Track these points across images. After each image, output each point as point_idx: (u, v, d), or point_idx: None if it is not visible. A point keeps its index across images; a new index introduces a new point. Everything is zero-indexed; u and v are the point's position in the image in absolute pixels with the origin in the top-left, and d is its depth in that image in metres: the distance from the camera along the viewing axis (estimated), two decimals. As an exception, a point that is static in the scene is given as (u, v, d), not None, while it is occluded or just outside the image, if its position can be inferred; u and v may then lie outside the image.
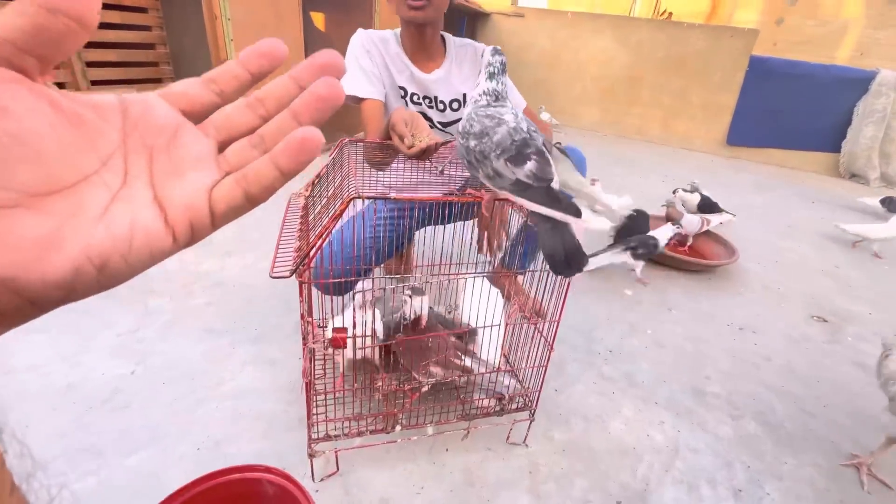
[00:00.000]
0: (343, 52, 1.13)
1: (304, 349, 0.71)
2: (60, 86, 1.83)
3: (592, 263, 1.63)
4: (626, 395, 1.17)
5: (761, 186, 3.53)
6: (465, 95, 1.22)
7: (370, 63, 1.10)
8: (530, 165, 0.63)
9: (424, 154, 0.84)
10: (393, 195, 0.65)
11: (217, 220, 0.20)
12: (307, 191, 0.90)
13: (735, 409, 1.16)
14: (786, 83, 4.12)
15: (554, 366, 1.23)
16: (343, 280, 0.89)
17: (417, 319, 0.90)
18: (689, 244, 2.02)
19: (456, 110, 1.23)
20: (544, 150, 0.66)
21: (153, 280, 1.42)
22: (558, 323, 0.86)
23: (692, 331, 1.48)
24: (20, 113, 0.16)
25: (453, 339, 0.91)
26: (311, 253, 0.62)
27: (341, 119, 3.48)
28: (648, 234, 1.71)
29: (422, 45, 1.13)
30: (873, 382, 1.33)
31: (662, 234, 1.72)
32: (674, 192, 2.28)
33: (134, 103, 0.20)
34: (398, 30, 1.15)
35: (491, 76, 0.71)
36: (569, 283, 0.81)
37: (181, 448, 0.90)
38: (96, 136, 0.18)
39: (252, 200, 0.21)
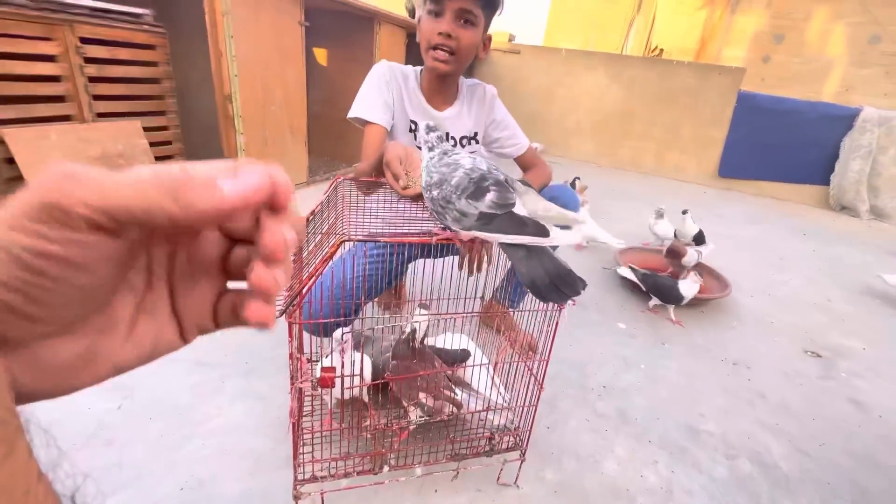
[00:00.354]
0: (344, 86, 1.19)
1: (292, 388, 0.71)
2: (67, 118, 1.88)
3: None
4: (619, 432, 1.16)
5: (753, 218, 3.59)
6: (475, 133, 1.27)
7: (386, 92, 1.15)
8: (490, 196, 0.64)
9: (420, 196, 0.87)
10: (381, 239, 0.67)
11: (220, 328, 0.23)
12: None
13: (730, 449, 1.15)
14: (773, 118, 4.25)
15: (546, 403, 1.22)
16: (333, 321, 0.89)
17: (413, 349, 0.90)
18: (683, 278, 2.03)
19: (465, 146, 1.27)
20: (503, 180, 0.68)
21: (146, 311, 1.42)
22: (547, 362, 0.86)
23: (686, 366, 1.48)
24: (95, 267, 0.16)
25: (445, 372, 0.91)
26: (300, 296, 0.63)
27: (341, 148, 3.56)
28: (675, 286, 1.69)
29: (440, 89, 1.19)
30: (869, 420, 1.32)
31: (689, 290, 1.70)
32: (683, 213, 2.28)
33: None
34: (420, 68, 1.20)
35: (430, 149, 0.74)
36: (557, 322, 0.82)
37: (164, 488, 0.88)
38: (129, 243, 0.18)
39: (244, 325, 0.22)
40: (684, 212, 2.24)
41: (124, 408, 1.06)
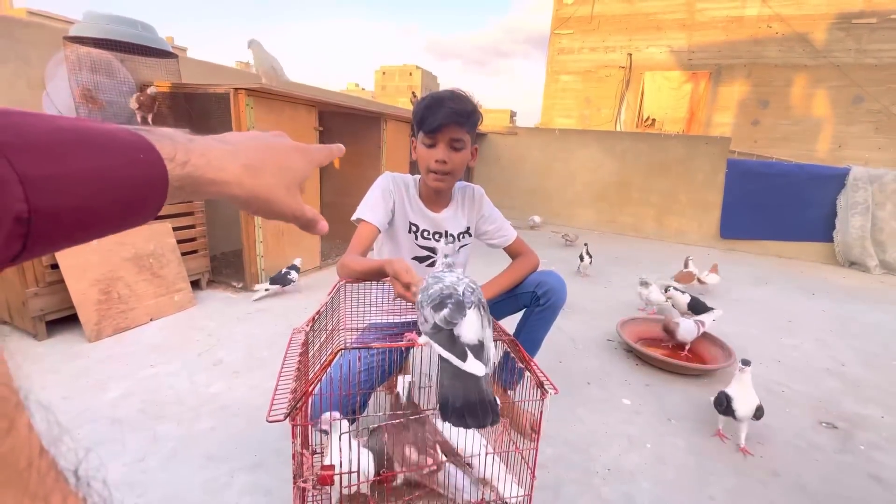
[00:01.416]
0: (354, 175, 1.36)
1: (294, 487, 0.77)
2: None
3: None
4: (625, 520, 1.14)
5: (760, 280, 3.60)
6: (468, 228, 1.42)
7: (389, 200, 1.32)
8: (444, 312, 0.75)
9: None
10: (372, 346, 0.76)
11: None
12: (308, 326, 1.02)
13: (742, 536, 1.11)
14: (765, 181, 4.41)
15: (550, 489, 1.22)
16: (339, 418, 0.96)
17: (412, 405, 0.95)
18: (687, 348, 2.04)
19: (461, 240, 1.41)
20: (462, 301, 0.78)
21: (164, 405, 1.49)
22: (536, 449, 0.90)
23: (694, 444, 1.46)
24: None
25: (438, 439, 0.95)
26: (302, 400, 0.71)
27: (350, 232, 3.79)
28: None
29: (437, 196, 1.36)
30: (892, 498, 1.27)
31: (688, 332, 1.78)
32: (666, 291, 2.36)
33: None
34: (419, 177, 1.38)
35: (447, 267, 0.90)
36: (541, 412, 0.88)
37: None
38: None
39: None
40: (665, 289, 2.30)
41: (138, 507, 1.10)
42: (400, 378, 1.02)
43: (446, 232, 1.39)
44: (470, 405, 0.69)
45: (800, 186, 4.33)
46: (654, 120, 9.07)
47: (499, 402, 0.72)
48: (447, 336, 0.72)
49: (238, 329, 2.09)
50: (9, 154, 0.20)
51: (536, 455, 0.91)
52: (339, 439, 0.83)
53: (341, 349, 0.73)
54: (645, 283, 2.35)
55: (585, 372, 1.89)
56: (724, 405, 1.42)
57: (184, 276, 2.31)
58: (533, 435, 0.95)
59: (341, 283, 1.06)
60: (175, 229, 2.34)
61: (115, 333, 1.95)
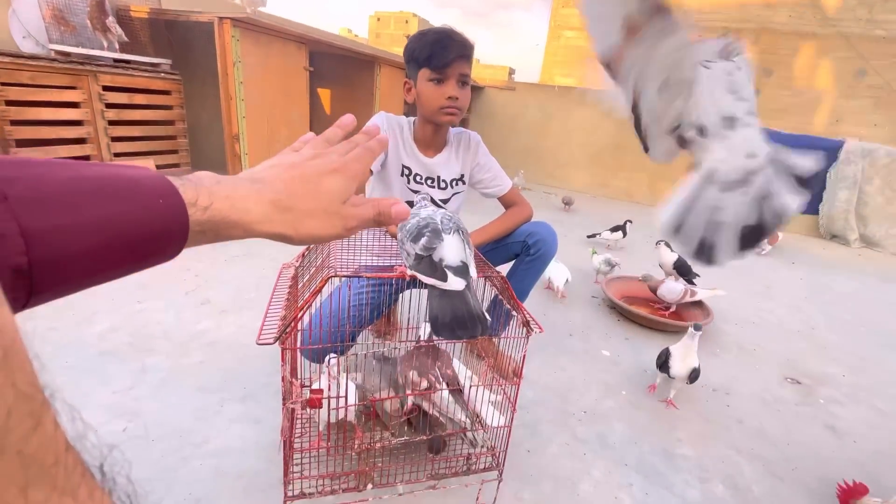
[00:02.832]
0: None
1: (283, 409, 0.79)
2: (86, 158, 2.03)
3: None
4: (597, 456, 1.21)
5: (743, 247, 3.67)
6: (462, 175, 1.39)
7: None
8: (422, 241, 0.78)
9: None
10: (363, 275, 0.76)
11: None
12: (297, 262, 1.02)
13: (704, 472, 1.20)
14: (760, 151, 4.40)
15: (528, 427, 1.28)
16: (328, 346, 0.98)
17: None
18: (672, 309, 2.10)
19: (454, 187, 1.39)
20: (439, 228, 0.81)
21: (152, 339, 1.50)
22: (518, 385, 0.94)
23: (666, 392, 1.53)
24: None
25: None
26: (292, 325, 0.72)
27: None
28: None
29: (432, 138, 1.32)
30: (843, 445, 1.37)
31: (673, 293, 1.81)
32: (656, 244, 2.37)
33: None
34: (413, 119, 1.34)
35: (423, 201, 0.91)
36: (525, 351, 0.90)
37: (163, 505, 0.94)
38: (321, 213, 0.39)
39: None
40: (658, 243, 2.31)
41: (129, 430, 1.13)
42: (424, 324, 1.05)
43: (439, 178, 1.36)
44: (458, 319, 0.74)
45: (793, 157, 4.33)
46: (655, 84, 8.85)
47: (488, 317, 0.76)
48: (429, 263, 0.76)
49: (226, 270, 2.08)
50: (17, 207, 0.22)
51: (518, 392, 0.95)
52: (329, 363, 0.85)
53: (331, 276, 0.73)
54: (613, 265, 2.37)
55: (568, 324, 1.94)
56: (661, 360, 1.41)
57: (169, 216, 2.26)
58: (515, 379, 0.98)
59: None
60: (158, 167, 2.27)
61: (100, 270, 1.93)
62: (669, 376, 1.40)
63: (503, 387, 0.98)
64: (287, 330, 0.71)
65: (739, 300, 2.44)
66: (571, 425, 1.32)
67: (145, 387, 1.29)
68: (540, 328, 0.89)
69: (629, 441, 1.28)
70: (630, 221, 3.06)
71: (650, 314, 1.96)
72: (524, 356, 0.90)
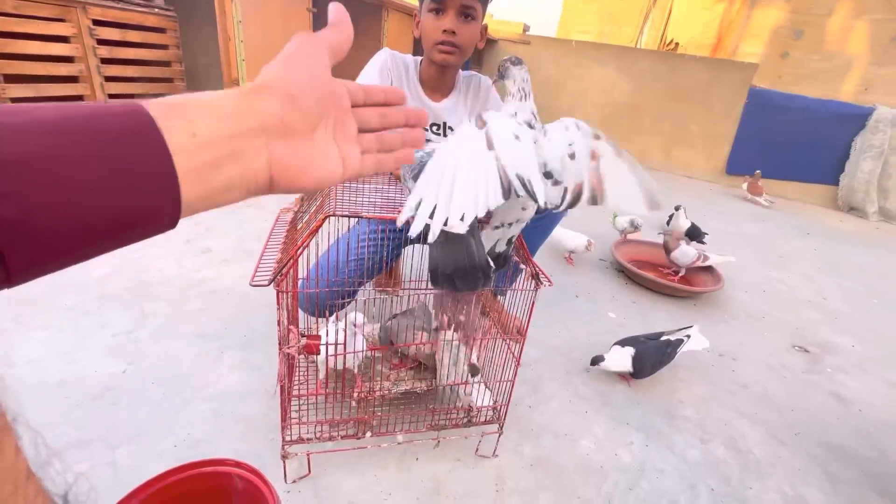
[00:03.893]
0: (352, 74, 1.24)
1: (280, 354, 0.76)
2: (80, 98, 1.95)
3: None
4: (599, 414, 1.20)
5: (758, 216, 3.57)
6: None
7: (385, 79, 1.18)
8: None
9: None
10: (361, 215, 0.71)
11: (363, 175, 0.35)
12: (296, 206, 0.96)
13: (705, 434, 1.19)
14: (784, 115, 4.20)
15: (530, 384, 1.27)
16: (325, 290, 0.94)
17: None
18: (681, 274, 2.04)
19: None
20: None
21: (152, 285, 1.48)
22: (524, 340, 0.90)
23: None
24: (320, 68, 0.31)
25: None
26: (287, 266, 0.67)
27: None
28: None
29: (440, 80, 1.22)
30: (848, 413, 1.35)
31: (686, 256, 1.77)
32: (675, 209, 2.29)
33: (337, 88, 0.32)
34: (420, 58, 1.23)
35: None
36: (533, 302, 0.86)
37: (162, 445, 0.94)
38: (322, 115, 0.31)
39: (377, 173, 0.36)
40: (677, 207, 2.25)
41: (129, 372, 1.13)
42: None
43: (445, 125, 1.28)
44: (460, 269, 0.68)
45: (817, 124, 4.14)
46: (677, 44, 8.38)
47: (492, 264, 0.70)
48: None
49: (228, 220, 2.04)
50: None
51: (522, 347, 0.92)
52: (336, 319, 0.82)
53: (329, 215, 0.68)
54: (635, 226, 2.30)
55: (575, 286, 1.90)
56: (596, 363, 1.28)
57: (168, 163, 2.19)
58: (519, 337, 0.95)
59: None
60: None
61: (99, 215, 1.89)
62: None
63: (507, 343, 0.95)
64: (282, 272, 0.67)
65: (751, 268, 2.39)
66: (574, 384, 1.30)
67: (145, 331, 1.27)
68: (549, 281, 0.85)
69: (631, 401, 1.27)
70: (680, 207, 2.49)
71: (658, 278, 1.91)
72: (532, 308, 0.86)
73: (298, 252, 0.68)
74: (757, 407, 1.32)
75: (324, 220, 0.68)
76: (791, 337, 1.75)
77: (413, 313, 0.95)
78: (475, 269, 0.69)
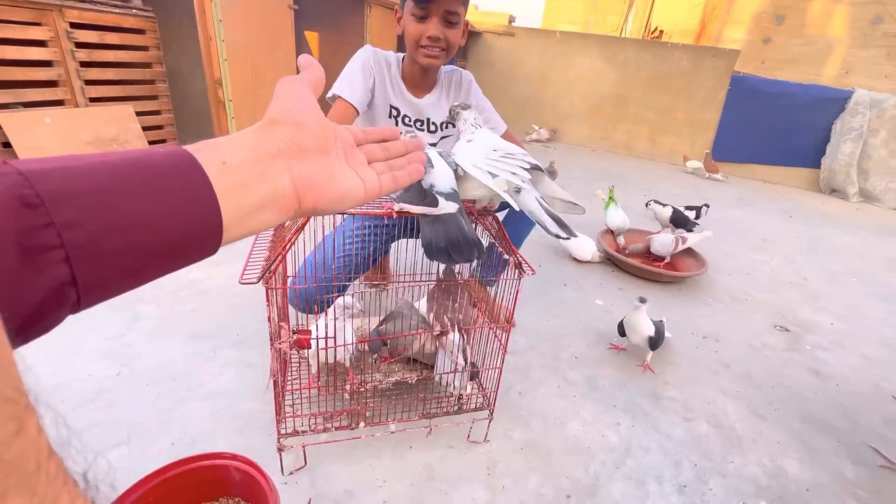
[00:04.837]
0: (336, 70, 1.25)
1: (271, 349, 0.78)
2: (60, 103, 1.93)
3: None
4: (586, 398, 1.24)
5: (742, 201, 3.64)
6: None
7: (369, 77, 1.19)
8: None
9: None
10: (348, 212, 0.73)
11: (383, 193, 0.37)
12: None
13: (689, 413, 1.23)
14: (766, 101, 4.26)
15: (519, 371, 1.30)
16: (313, 286, 0.96)
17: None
18: (667, 261, 2.09)
19: (446, 129, 1.32)
20: (429, 156, 0.78)
21: (143, 288, 1.48)
22: (509, 327, 0.93)
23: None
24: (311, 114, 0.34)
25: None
26: (276, 263, 0.69)
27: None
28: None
29: (422, 78, 1.23)
30: (826, 388, 1.41)
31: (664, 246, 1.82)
32: (646, 205, 2.36)
33: (338, 128, 0.36)
34: (402, 55, 1.24)
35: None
36: (517, 291, 0.89)
37: (159, 444, 0.96)
38: (328, 136, 0.34)
39: (395, 189, 0.38)
40: (647, 204, 2.30)
41: (123, 374, 1.14)
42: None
43: (428, 120, 1.29)
44: (453, 243, 0.72)
45: (799, 108, 4.21)
46: (661, 32, 8.43)
47: (482, 241, 0.75)
48: (417, 190, 0.73)
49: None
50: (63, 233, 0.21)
51: (509, 335, 0.95)
52: (326, 313, 0.84)
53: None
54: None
55: (562, 276, 1.94)
56: (621, 331, 1.40)
57: (154, 166, 2.17)
58: (507, 325, 0.97)
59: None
60: (138, 114, 2.16)
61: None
62: (631, 343, 1.39)
63: (495, 331, 0.98)
64: (271, 268, 0.69)
65: (734, 252, 2.44)
66: (562, 370, 1.34)
67: (137, 334, 1.28)
68: (532, 270, 0.87)
69: (618, 384, 1.31)
70: (707, 206, 2.56)
71: (643, 264, 1.95)
72: (517, 296, 0.89)
73: (286, 248, 0.70)
74: (739, 385, 1.37)
75: (308, 217, 0.69)
76: (773, 317, 1.81)
77: (402, 314, 0.97)
78: (468, 242, 0.74)
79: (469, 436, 1.04)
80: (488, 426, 1.04)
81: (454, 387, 0.94)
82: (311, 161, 0.32)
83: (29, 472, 0.16)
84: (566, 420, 1.15)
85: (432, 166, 0.75)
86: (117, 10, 2.00)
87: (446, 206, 0.72)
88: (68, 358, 1.17)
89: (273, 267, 0.69)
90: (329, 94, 1.20)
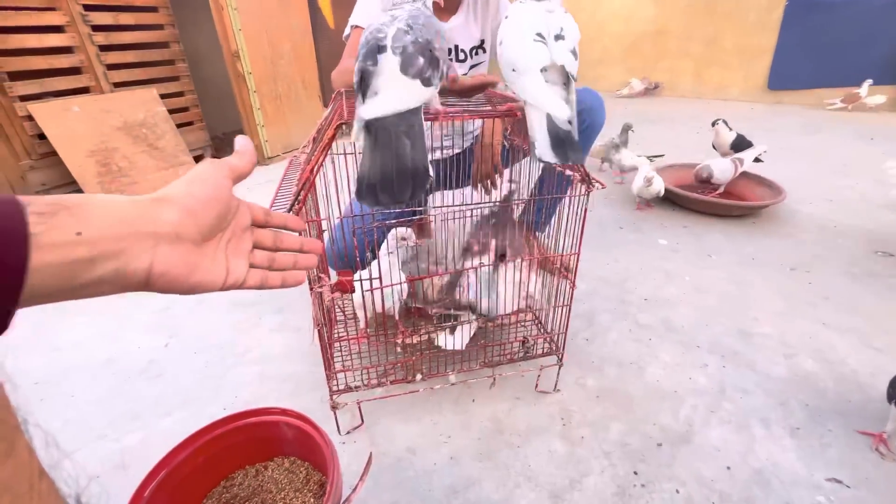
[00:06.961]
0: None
1: (311, 295, 0.70)
2: (86, 90, 1.92)
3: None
4: (664, 340, 1.10)
5: (810, 128, 3.25)
6: (482, 41, 1.18)
7: (387, 2, 1.07)
8: (357, 63, 0.59)
9: (472, 91, 0.83)
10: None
11: (245, 287, 0.36)
12: (308, 146, 0.88)
13: (788, 349, 1.07)
14: (831, 13, 3.74)
15: (583, 318, 1.18)
16: (351, 226, 0.87)
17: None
18: (720, 190, 1.86)
19: (474, 57, 1.18)
20: (379, 44, 0.58)
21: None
22: (578, 255, 0.80)
23: (736, 275, 1.37)
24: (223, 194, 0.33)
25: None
26: (306, 187, 0.60)
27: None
28: None
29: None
30: (953, 313, 1.19)
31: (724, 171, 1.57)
32: (712, 124, 2.08)
33: (240, 209, 0.36)
34: None
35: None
36: (585, 211, 0.76)
37: (211, 409, 0.92)
38: (215, 228, 0.33)
39: (261, 288, 0.37)
40: (714, 123, 2.03)
41: (171, 345, 1.11)
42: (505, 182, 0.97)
43: (457, 47, 1.15)
44: (386, 177, 0.53)
45: (872, 16, 3.66)
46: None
47: (430, 172, 0.54)
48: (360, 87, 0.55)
49: (248, 198, 1.99)
50: None
51: (578, 262, 0.82)
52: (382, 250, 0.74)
53: (340, 123, 0.59)
54: (616, 147, 2.08)
55: (617, 219, 1.77)
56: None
57: (184, 148, 2.16)
58: (567, 274, 0.84)
59: (342, 90, 0.88)
60: (162, 97, 2.13)
61: (125, 206, 1.89)
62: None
63: (555, 261, 0.85)
64: (301, 194, 0.59)
65: (812, 179, 2.16)
66: (632, 313, 1.20)
67: (180, 307, 1.26)
68: (601, 184, 0.74)
69: (699, 324, 1.16)
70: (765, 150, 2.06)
71: (706, 197, 1.74)
72: (585, 215, 0.76)
73: (314, 173, 0.60)
74: (844, 316, 1.18)
75: (336, 128, 0.59)
76: (871, 244, 1.56)
77: (416, 256, 0.87)
78: (404, 175, 0.54)
79: (537, 385, 0.94)
80: (558, 374, 0.93)
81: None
82: (181, 250, 0.30)
83: (21, 492, 0.16)
84: (644, 365, 1.02)
85: (374, 63, 0.56)
86: (128, -11, 1.95)
87: (376, 106, 0.53)
88: (116, 333, 1.15)
89: (303, 194, 0.59)
90: (346, 31, 1.09)
